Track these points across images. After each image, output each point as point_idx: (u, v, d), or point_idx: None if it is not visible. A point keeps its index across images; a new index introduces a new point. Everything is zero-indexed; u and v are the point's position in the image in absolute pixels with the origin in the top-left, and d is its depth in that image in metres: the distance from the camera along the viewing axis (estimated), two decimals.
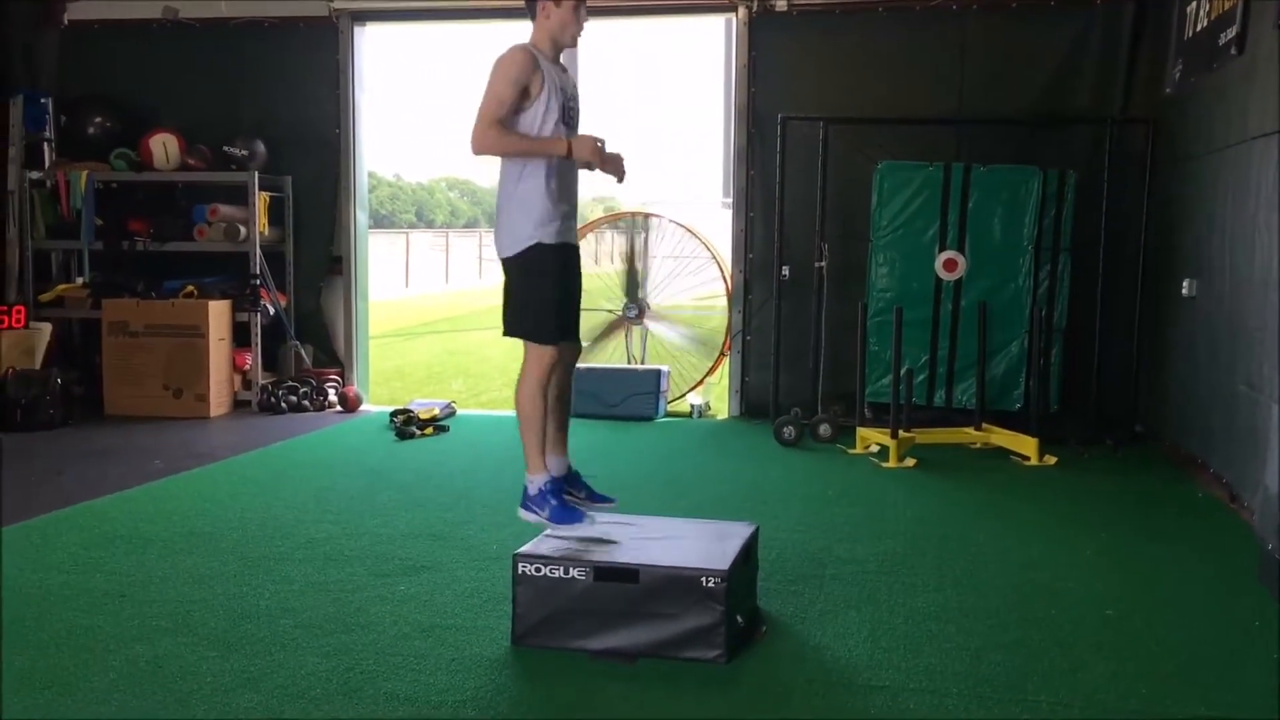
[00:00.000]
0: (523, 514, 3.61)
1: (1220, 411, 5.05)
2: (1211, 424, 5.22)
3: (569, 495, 3.69)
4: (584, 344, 8.07)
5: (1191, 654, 3.25)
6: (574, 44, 3.65)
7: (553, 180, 3.51)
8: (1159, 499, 5.21)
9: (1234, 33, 4.92)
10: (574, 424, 7.02)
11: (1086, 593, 3.81)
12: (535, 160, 3.48)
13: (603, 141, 3.53)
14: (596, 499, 3.76)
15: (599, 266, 8.38)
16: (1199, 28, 5.61)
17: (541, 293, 3.53)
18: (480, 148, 3.46)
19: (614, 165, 3.63)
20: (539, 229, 3.49)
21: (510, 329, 3.60)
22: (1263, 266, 4.47)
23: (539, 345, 3.53)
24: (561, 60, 3.68)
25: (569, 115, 3.57)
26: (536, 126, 3.49)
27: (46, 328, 7.37)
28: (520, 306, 3.55)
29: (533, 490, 3.56)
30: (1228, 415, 4.92)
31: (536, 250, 3.50)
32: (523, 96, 3.46)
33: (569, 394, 3.75)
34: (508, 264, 3.57)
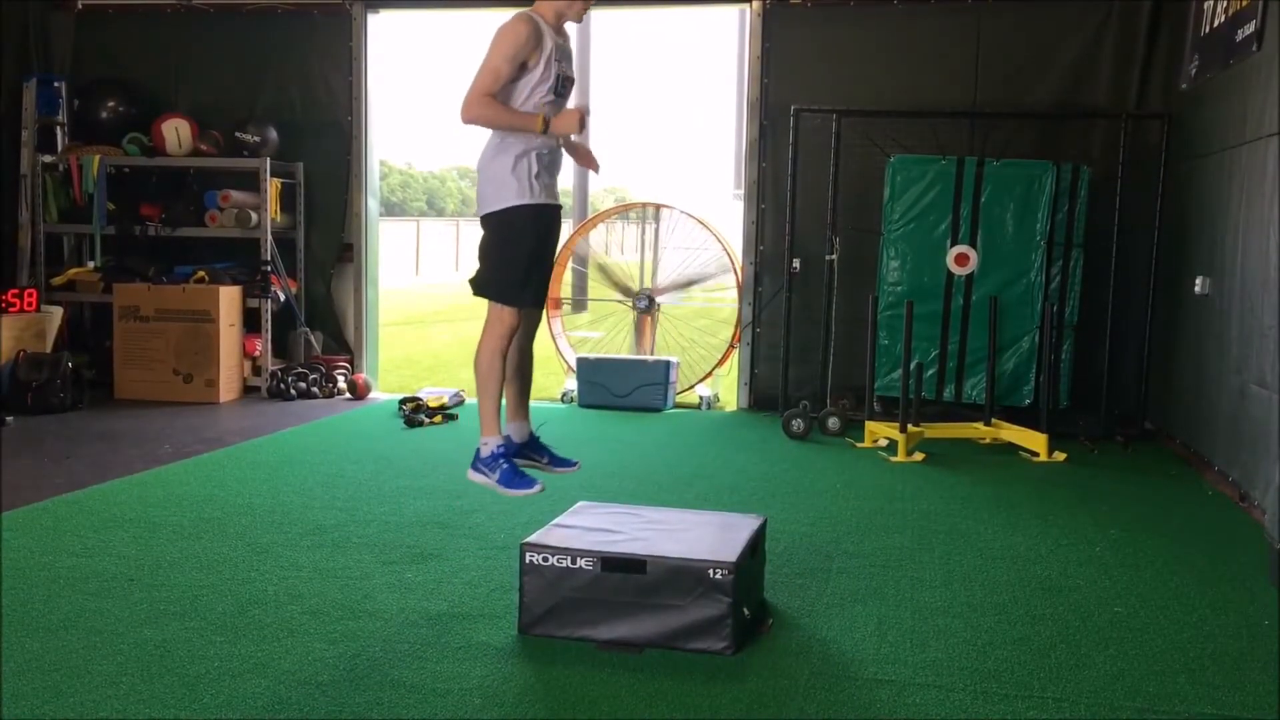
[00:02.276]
0: (471, 475, 3.60)
1: (1231, 410, 5.03)
2: (1222, 422, 5.20)
3: (531, 461, 3.70)
4: (595, 334, 8.15)
5: (1199, 652, 3.24)
6: (579, 20, 3.64)
7: (536, 140, 3.51)
8: (1168, 497, 5.20)
9: (1252, 29, 4.90)
10: (583, 415, 7.03)
11: (1094, 589, 3.80)
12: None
13: (588, 111, 3.54)
14: (559, 463, 3.77)
15: (609, 257, 8.38)
16: (1216, 23, 5.58)
17: (513, 255, 3.53)
18: (469, 118, 3.47)
19: (587, 158, 3.65)
20: (520, 191, 3.49)
21: (478, 288, 3.60)
22: (1276, 265, 4.45)
23: (502, 306, 3.53)
24: (566, 28, 3.66)
25: (562, 85, 3.58)
26: (527, 93, 3.49)
27: (58, 311, 7.40)
28: (490, 266, 3.56)
29: (485, 452, 3.55)
30: (1238, 414, 4.90)
31: (515, 212, 3.50)
32: (520, 68, 3.46)
33: (530, 360, 3.76)
34: (485, 221, 3.58)
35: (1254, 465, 4.67)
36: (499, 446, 3.55)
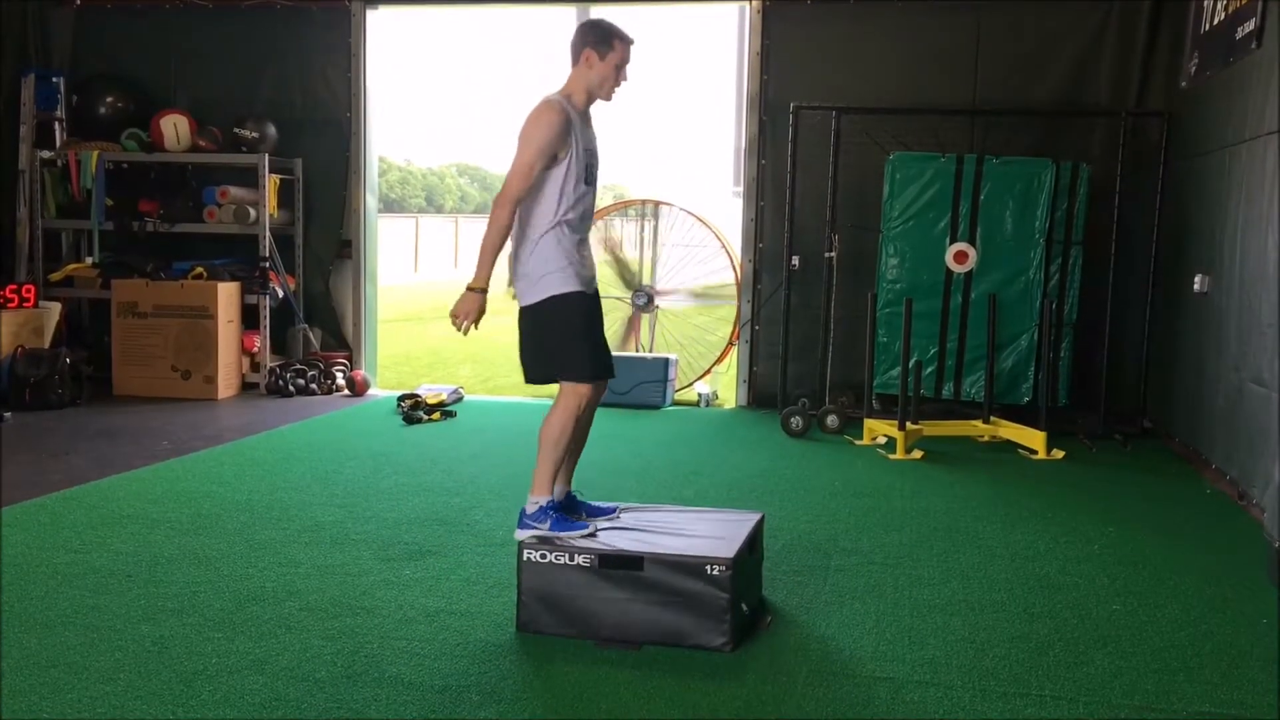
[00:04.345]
0: (520, 535, 3.53)
1: (1229, 408, 5.03)
2: (1220, 420, 5.20)
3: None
4: None
5: (1197, 650, 3.25)
6: (609, 99, 3.62)
7: (574, 234, 3.52)
8: (1167, 495, 5.20)
9: (1252, 27, 4.89)
10: None
11: (1092, 587, 3.80)
12: (554, 211, 3.49)
13: (479, 314, 3.49)
14: (596, 513, 3.75)
15: (608, 254, 8.37)
16: (1216, 21, 5.58)
17: (571, 335, 3.54)
18: (494, 209, 3.47)
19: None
20: (562, 280, 3.50)
21: (538, 374, 3.59)
22: (1275, 263, 4.44)
23: (577, 384, 3.53)
24: (590, 111, 3.64)
25: (590, 173, 3.58)
26: (559, 183, 3.49)
27: (56, 307, 7.39)
28: (551, 350, 3.56)
29: (531, 509, 3.51)
30: (1237, 412, 4.90)
31: (561, 299, 3.51)
32: (551, 158, 3.46)
33: (587, 430, 3.75)
34: (528, 311, 3.56)
35: (1252, 463, 4.67)
36: (548, 503, 3.54)
